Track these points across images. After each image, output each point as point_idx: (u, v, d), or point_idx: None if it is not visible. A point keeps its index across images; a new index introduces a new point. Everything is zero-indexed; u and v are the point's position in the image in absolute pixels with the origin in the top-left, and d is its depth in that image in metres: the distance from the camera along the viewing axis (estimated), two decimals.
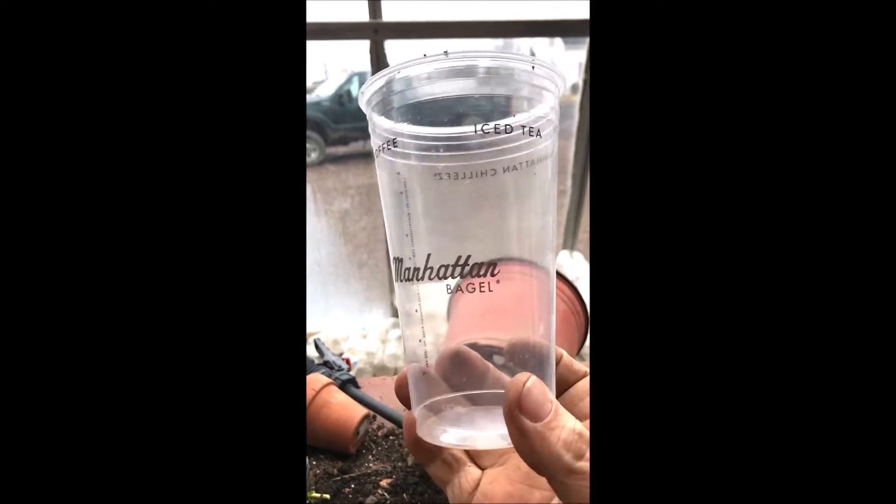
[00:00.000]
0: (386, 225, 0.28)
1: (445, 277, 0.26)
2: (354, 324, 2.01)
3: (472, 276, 0.25)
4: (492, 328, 0.29)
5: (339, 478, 0.72)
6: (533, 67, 0.25)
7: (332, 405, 0.76)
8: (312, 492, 0.68)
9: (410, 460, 0.74)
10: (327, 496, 0.68)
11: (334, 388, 0.79)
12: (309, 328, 1.93)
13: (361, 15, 1.54)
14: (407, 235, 0.27)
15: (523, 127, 0.25)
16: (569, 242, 2.08)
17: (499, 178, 0.26)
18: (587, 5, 0.24)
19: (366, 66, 1.63)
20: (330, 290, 2.18)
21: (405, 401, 0.30)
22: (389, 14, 1.54)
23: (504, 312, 0.28)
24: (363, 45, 1.55)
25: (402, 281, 0.27)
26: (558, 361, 0.30)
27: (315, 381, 0.78)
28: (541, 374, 0.26)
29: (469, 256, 0.25)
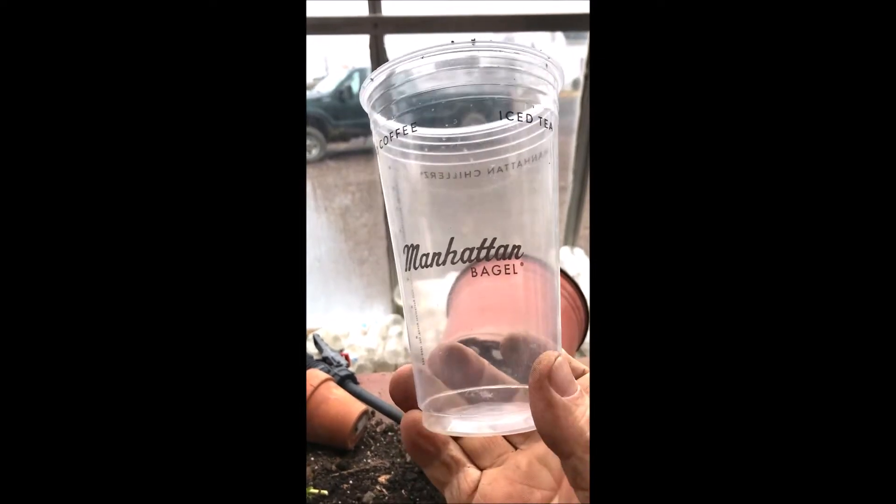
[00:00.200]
0: (390, 219, 0.28)
1: (469, 261, 0.26)
2: (355, 320, 2.02)
3: (499, 259, 0.25)
4: (491, 323, 0.28)
5: (337, 474, 0.71)
6: (546, 66, 0.26)
7: (331, 401, 0.76)
8: (311, 487, 0.68)
9: (409, 456, 0.74)
10: (325, 492, 0.68)
11: (333, 384, 0.79)
12: (309, 325, 1.94)
13: (361, 10, 1.54)
14: (401, 230, 0.27)
15: (540, 118, 0.26)
16: (570, 239, 2.08)
17: (501, 175, 0.26)
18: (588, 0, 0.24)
19: (366, 61, 1.62)
20: (330, 286, 2.18)
21: (400, 402, 0.30)
22: (389, 9, 1.53)
23: (505, 307, 0.27)
24: (363, 41, 1.55)
25: (416, 268, 0.27)
26: None
27: (313, 376, 0.78)
28: None
29: (495, 238, 0.26)
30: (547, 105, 0.26)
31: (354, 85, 2.93)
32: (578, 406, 0.24)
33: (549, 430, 0.24)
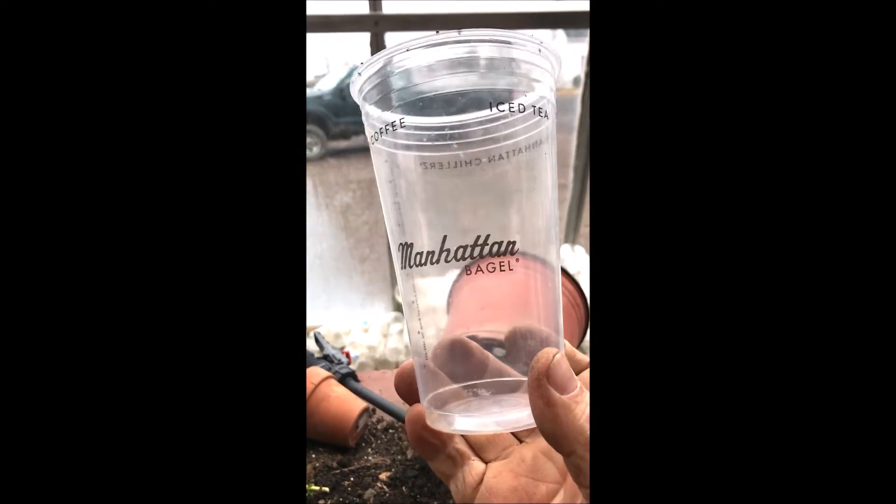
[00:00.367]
0: (385, 214, 0.28)
1: (463, 259, 0.25)
2: (356, 318, 2.02)
3: (493, 256, 0.25)
4: (491, 321, 0.28)
5: (338, 471, 0.72)
6: (539, 51, 0.25)
7: (332, 398, 0.76)
8: (311, 485, 0.68)
9: (410, 454, 0.74)
10: (326, 489, 0.68)
11: (333, 382, 0.79)
12: (311, 322, 1.94)
13: (362, 7, 1.53)
14: (408, 220, 0.26)
15: (533, 107, 0.25)
16: (570, 236, 2.07)
17: (497, 165, 0.25)
18: None
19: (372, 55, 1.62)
20: (331, 284, 2.18)
21: (405, 396, 0.30)
22: (390, 6, 1.53)
23: (505, 305, 0.27)
24: (364, 38, 1.55)
25: (411, 267, 0.27)
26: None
27: (314, 374, 0.78)
28: None
29: (489, 235, 0.25)
30: (542, 93, 0.26)
31: None
32: (578, 403, 0.24)
33: (549, 428, 0.24)
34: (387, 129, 0.26)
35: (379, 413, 0.82)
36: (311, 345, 0.92)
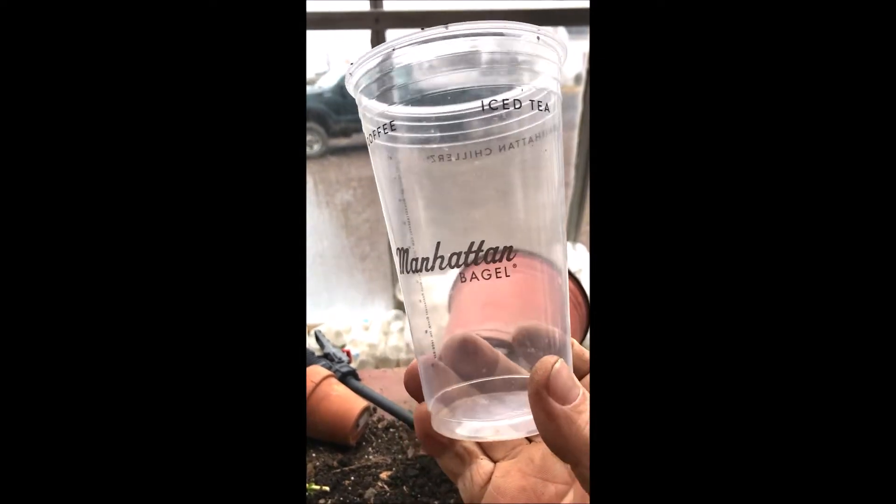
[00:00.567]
0: (385, 216, 0.27)
1: (457, 266, 0.25)
2: (357, 316, 2.01)
3: (488, 262, 0.24)
4: (493, 320, 0.28)
5: (338, 470, 0.71)
6: (538, 38, 0.24)
7: (332, 397, 0.76)
8: (312, 484, 0.68)
9: (410, 453, 0.74)
10: (327, 488, 0.68)
11: (334, 381, 0.79)
12: (311, 320, 1.94)
13: (363, 5, 1.53)
14: (406, 223, 0.26)
15: (531, 101, 0.24)
16: (572, 234, 2.07)
17: (501, 158, 0.25)
18: None
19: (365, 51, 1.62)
20: (332, 282, 2.18)
21: (415, 394, 0.29)
22: (391, 3, 1.52)
23: (507, 304, 0.27)
24: (365, 36, 1.54)
25: (408, 273, 0.26)
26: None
27: (315, 373, 0.78)
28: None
29: (483, 241, 0.24)
30: (543, 85, 0.25)
31: None
32: (581, 413, 0.23)
33: (552, 440, 0.23)
34: (383, 130, 0.25)
35: (380, 412, 0.81)
36: (311, 343, 0.92)
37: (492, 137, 0.24)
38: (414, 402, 0.30)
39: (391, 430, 0.79)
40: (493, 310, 0.27)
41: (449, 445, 0.30)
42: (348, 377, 0.80)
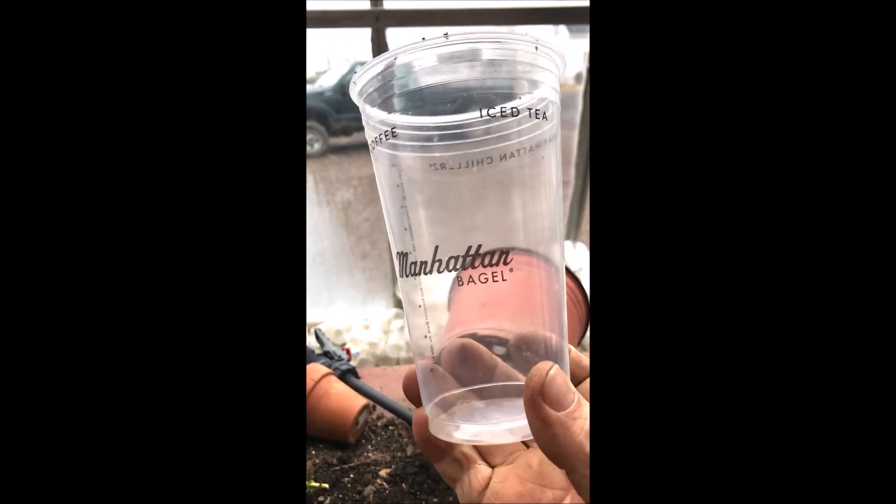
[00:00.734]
0: (386, 219, 0.28)
1: (455, 269, 0.25)
2: (357, 314, 2.02)
3: (485, 266, 0.25)
4: (492, 318, 0.28)
5: (338, 467, 0.72)
6: (536, 48, 0.24)
7: (332, 395, 0.76)
8: (311, 481, 0.68)
9: (410, 450, 0.74)
10: (326, 485, 0.68)
11: (334, 378, 0.79)
12: (312, 319, 1.94)
13: (363, 3, 1.53)
14: (407, 229, 0.26)
15: (529, 109, 0.24)
16: (572, 233, 2.07)
17: (501, 166, 0.25)
18: None
19: (368, 55, 1.62)
20: (333, 280, 2.18)
21: (414, 399, 0.29)
22: (391, 2, 1.52)
23: (506, 303, 0.27)
24: (365, 34, 1.54)
25: (407, 276, 0.26)
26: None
27: (315, 371, 0.78)
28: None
29: (480, 245, 0.25)
30: (541, 94, 0.25)
31: None
32: (576, 420, 0.23)
33: (548, 447, 0.23)
34: (384, 137, 0.25)
35: (379, 410, 0.82)
36: (311, 341, 0.92)
37: (492, 147, 0.24)
38: None
39: (391, 427, 0.79)
40: (493, 308, 0.27)
41: (447, 450, 0.30)
42: (348, 375, 0.80)
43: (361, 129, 0.28)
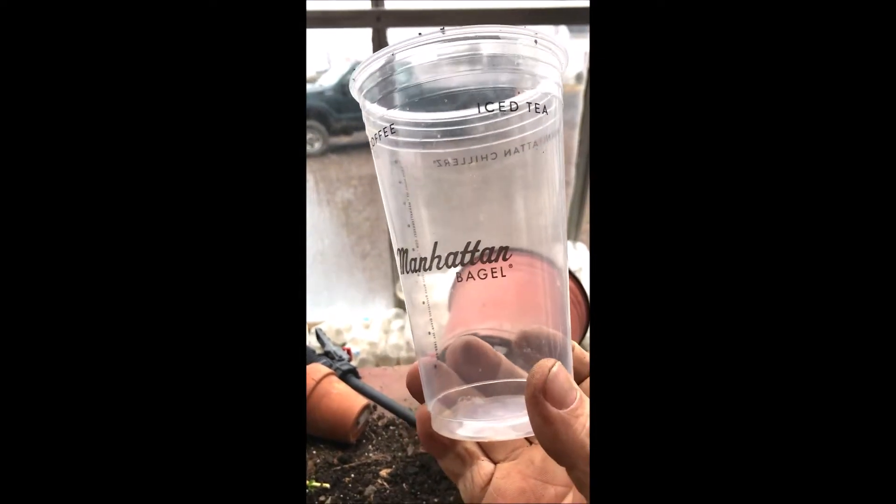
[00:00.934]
0: (387, 216, 0.28)
1: (454, 266, 0.25)
2: (357, 314, 2.02)
3: (484, 262, 0.25)
4: (492, 318, 0.28)
5: (339, 467, 0.72)
6: (535, 42, 0.24)
7: (333, 395, 0.76)
8: (312, 481, 0.68)
9: (410, 450, 0.74)
10: (327, 485, 0.68)
11: (335, 378, 0.79)
12: (312, 318, 1.94)
13: (364, 3, 1.53)
14: (409, 226, 0.26)
15: (529, 104, 0.24)
16: (572, 233, 2.07)
17: (503, 162, 0.25)
18: None
19: (369, 54, 1.61)
20: (333, 280, 2.18)
21: (417, 395, 0.29)
22: (392, 2, 1.52)
23: (506, 303, 0.27)
24: (366, 34, 1.54)
25: (407, 272, 0.26)
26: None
27: (316, 371, 0.78)
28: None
29: (479, 241, 0.25)
30: (542, 89, 0.25)
31: None
32: (578, 417, 0.23)
33: (549, 444, 0.23)
34: (384, 133, 0.25)
35: (380, 410, 0.82)
36: (312, 341, 0.92)
37: (495, 143, 0.24)
38: (414, 401, 0.30)
39: (391, 427, 0.79)
40: (493, 308, 0.28)
41: (450, 446, 0.30)
42: (349, 375, 0.81)
43: (362, 128, 0.28)
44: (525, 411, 0.25)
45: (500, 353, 0.28)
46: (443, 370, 0.28)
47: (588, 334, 0.97)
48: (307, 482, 0.68)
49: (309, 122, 2.73)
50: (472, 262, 0.25)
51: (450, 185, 0.26)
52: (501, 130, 0.24)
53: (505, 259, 0.25)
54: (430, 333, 0.27)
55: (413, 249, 0.26)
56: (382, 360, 1.84)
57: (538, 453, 0.30)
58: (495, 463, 0.30)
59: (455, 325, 0.29)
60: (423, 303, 0.27)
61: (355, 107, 0.27)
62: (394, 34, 1.53)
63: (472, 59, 0.24)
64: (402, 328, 1.91)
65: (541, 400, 0.23)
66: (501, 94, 0.24)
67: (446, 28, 0.23)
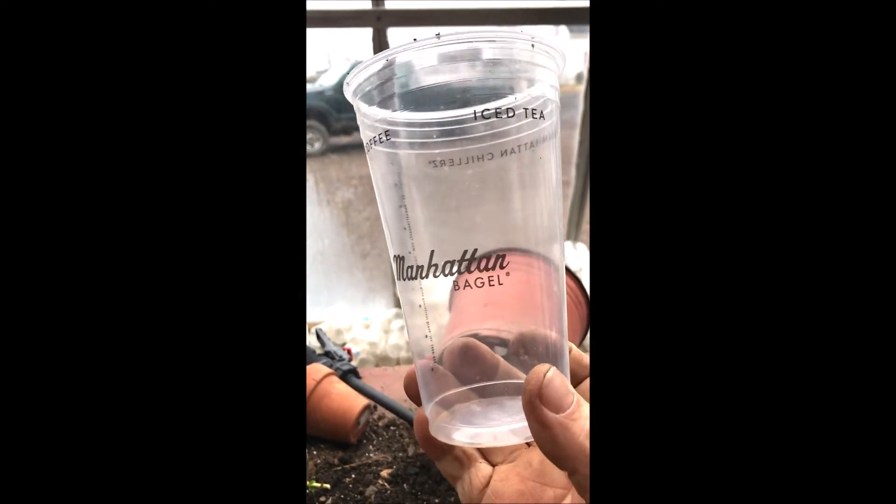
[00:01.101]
0: (383, 221, 0.28)
1: (451, 274, 0.25)
2: (357, 314, 2.02)
3: (481, 271, 0.25)
4: (493, 319, 0.28)
5: (339, 468, 0.72)
6: (532, 46, 0.24)
7: (333, 395, 0.76)
8: (313, 481, 0.68)
9: (411, 451, 0.74)
10: (328, 486, 0.68)
11: (335, 379, 0.79)
12: (312, 318, 1.94)
13: (364, 2, 1.52)
14: (405, 228, 0.26)
15: (525, 109, 0.24)
16: (572, 233, 2.07)
17: (499, 163, 0.25)
18: None
19: (368, 54, 1.61)
20: (333, 280, 2.18)
21: (415, 398, 0.29)
22: (392, 2, 1.52)
23: (508, 303, 0.27)
24: (366, 34, 1.54)
25: (404, 280, 0.26)
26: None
27: (316, 371, 0.78)
28: (556, 366, 0.25)
29: (476, 250, 0.25)
30: (538, 92, 0.25)
31: None
32: (576, 421, 0.23)
33: (548, 449, 0.24)
34: (381, 137, 0.25)
35: (380, 410, 0.82)
36: (312, 341, 0.92)
37: (489, 143, 0.24)
38: None
39: (392, 428, 0.79)
40: (494, 309, 0.27)
41: (448, 449, 0.30)
42: (349, 375, 0.81)
43: None
44: (524, 415, 0.25)
45: (497, 356, 0.28)
46: (440, 373, 0.28)
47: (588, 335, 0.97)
48: (307, 483, 0.68)
49: (309, 122, 2.73)
50: (468, 271, 0.25)
51: (447, 186, 0.26)
52: (498, 130, 0.24)
53: (502, 267, 0.25)
54: (426, 336, 0.27)
55: (410, 253, 0.26)
56: (382, 360, 1.84)
57: (536, 455, 0.30)
58: (493, 465, 0.30)
59: (456, 325, 0.29)
60: (420, 305, 0.27)
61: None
62: (394, 34, 1.53)
63: (469, 65, 0.24)
64: (403, 328, 1.91)
65: (537, 405, 0.23)
66: (498, 98, 0.24)
67: (444, 31, 0.23)
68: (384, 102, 0.25)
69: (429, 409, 0.28)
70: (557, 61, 0.25)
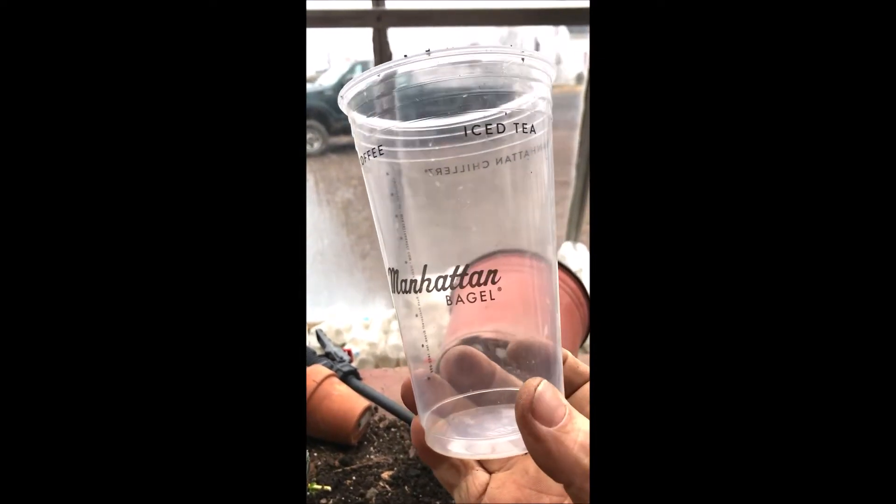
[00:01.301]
0: (378, 233, 0.28)
1: (444, 289, 0.25)
2: (357, 314, 2.02)
3: (472, 286, 0.25)
4: (494, 321, 0.28)
5: (340, 469, 0.71)
6: (523, 59, 0.24)
7: (334, 397, 0.76)
8: (313, 483, 0.68)
9: (412, 452, 0.74)
10: (328, 488, 0.68)
11: (336, 380, 0.79)
12: (312, 319, 1.94)
13: (364, 2, 1.52)
14: (401, 238, 0.26)
15: (516, 125, 0.24)
16: (572, 233, 2.07)
17: (493, 171, 0.25)
18: None
19: (369, 54, 1.61)
20: (333, 280, 2.18)
21: (412, 406, 0.29)
22: (392, 2, 1.52)
23: (506, 306, 0.27)
24: (366, 34, 1.54)
25: (398, 293, 0.27)
26: (563, 362, 0.29)
27: (317, 372, 0.78)
28: (548, 376, 0.26)
29: (467, 266, 0.25)
30: (528, 106, 0.25)
31: None
32: (568, 433, 0.23)
33: (542, 462, 0.24)
34: (375, 151, 0.26)
35: (381, 412, 0.81)
36: (313, 342, 0.92)
37: (485, 151, 0.25)
38: None
39: (393, 429, 0.79)
40: (496, 310, 0.27)
41: (444, 457, 0.30)
42: (350, 377, 0.80)
43: None
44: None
45: (494, 364, 0.28)
46: (436, 382, 0.28)
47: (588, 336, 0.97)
48: (308, 484, 0.67)
49: (309, 122, 2.73)
50: (461, 286, 0.25)
51: (442, 194, 0.26)
52: (491, 139, 0.25)
53: (494, 282, 0.25)
54: (423, 346, 0.27)
55: (406, 262, 0.26)
56: (382, 361, 1.84)
57: (533, 463, 0.30)
58: (490, 472, 0.31)
59: (456, 327, 0.29)
60: (417, 315, 0.27)
61: None
62: (394, 34, 1.52)
63: (462, 77, 0.24)
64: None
65: (530, 419, 0.23)
66: (489, 104, 0.24)
67: (440, 38, 0.23)
68: (379, 112, 0.26)
69: (425, 418, 0.28)
70: (548, 72, 0.26)
